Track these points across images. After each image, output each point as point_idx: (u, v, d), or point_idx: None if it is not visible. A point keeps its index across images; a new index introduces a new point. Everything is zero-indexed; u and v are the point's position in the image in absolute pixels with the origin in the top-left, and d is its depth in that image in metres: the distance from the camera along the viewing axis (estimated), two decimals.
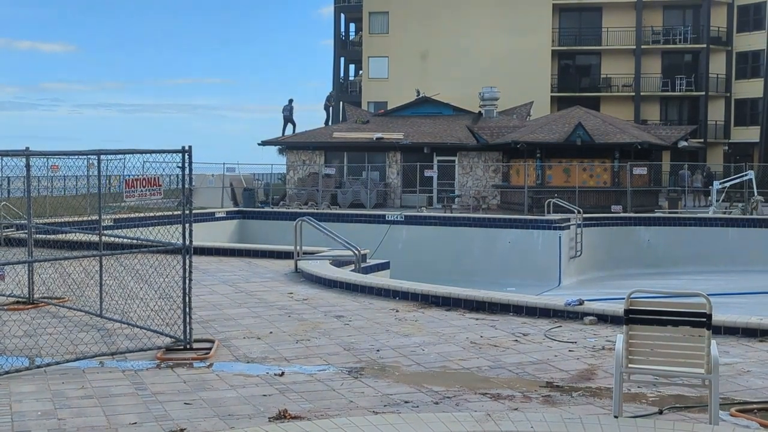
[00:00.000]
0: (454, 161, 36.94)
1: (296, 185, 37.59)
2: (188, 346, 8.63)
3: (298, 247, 15.35)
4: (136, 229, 15.77)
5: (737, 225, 29.37)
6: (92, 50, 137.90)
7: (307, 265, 14.62)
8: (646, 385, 7.18)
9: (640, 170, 32.17)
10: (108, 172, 11.35)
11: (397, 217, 28.89)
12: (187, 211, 8.50)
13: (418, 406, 6.74)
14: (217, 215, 29.47)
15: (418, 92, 44.24)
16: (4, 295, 11.38)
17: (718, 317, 9.04)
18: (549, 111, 46.57)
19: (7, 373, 7.54)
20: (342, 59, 57.29)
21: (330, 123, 42.58)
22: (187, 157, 8.45)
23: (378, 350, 8.82)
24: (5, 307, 10.86)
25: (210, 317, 10.62)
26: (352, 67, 58.09)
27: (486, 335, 9.61)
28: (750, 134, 50.42)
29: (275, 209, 32.44)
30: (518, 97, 43.82)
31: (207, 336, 9.37)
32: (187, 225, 8.50)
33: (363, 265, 15.24)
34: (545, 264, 26.27)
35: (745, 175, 32.83)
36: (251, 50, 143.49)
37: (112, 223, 20.62)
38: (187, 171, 8.46)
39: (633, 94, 51.61)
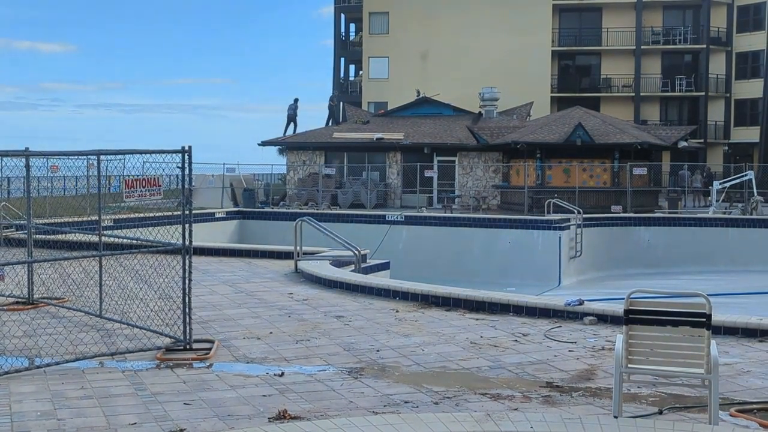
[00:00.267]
0: (454, 161, 36.94)
1: (296, 185, 37.58)
2: (188, 347, 8.63)
3: (298, 248, 15.35)
4: (135, 229, 15.78)
5: (737, 225, 29.38)
6: (92, 50, 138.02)
7: (307, 266, 14.61)
8: (646, 386, 7.18)
9: (640, 170, 32.17)
10: (108, 172, 11.34)
11: (397, 218, 28.89)
12: (187, 212, 8.50)
13: (417, 407, 6.74)
14: (217, 215, 29.48)
15: (419, 92, 44.23)
16: (3, 296, 11.38)
17: (718, 317, 9.04)
18: (549, 111, 46.57)
19: (6, 373, 7.54)
20: (342, 59, 57.29)
21: (333, 122, 42.57)
22: (186, 157, 8.45)
23: (378, 350, 8.82)
24: (5, 308, 10.85)
25: (210, 317, 10.62)
26: (352, 67, 58.08)
27: (486, 335, 9.61)
28: (750, 134, 50.41)
29: (275, 209, 32.44)
30: (518, 98, 43.81)
31: (207, 336, 9.36)
32: (186, 225, 8.50)
33: (363, 265, 15.23)
34: (545, 264, 26.27)
35: (745, 175, 32.84)
36: (251, 50, 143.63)
37: (111, 224, 20.62)
38: (186, 171, 8.47)
39: (633, 94, 51.61)
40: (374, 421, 6.01)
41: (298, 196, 36.39)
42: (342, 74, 57.44)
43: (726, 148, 51.89)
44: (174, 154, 8.56)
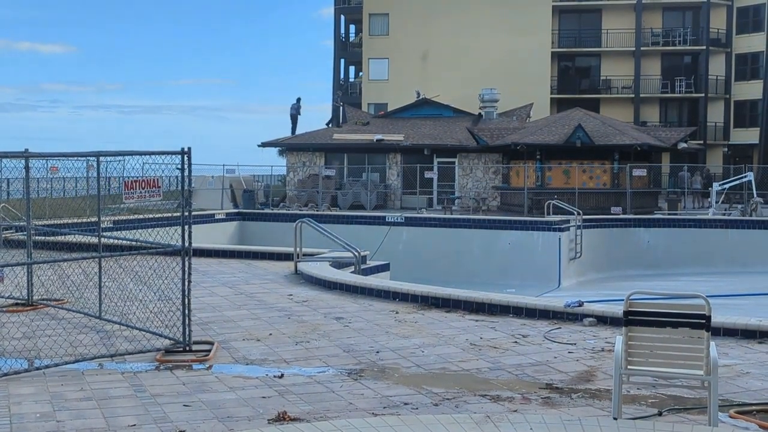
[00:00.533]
0: (454, 163, 36.95)
1: (296, 187, 37.58)
2: (187, 348, 8.63)
3: (297, 249, 15.34)
4: (135, 230, 15.76)
5: (737, 226, 29.38)
6: (92, 51, 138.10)
7: (307, 267, 14.61)
8: (646, 387, 7.18)
9: (640, 172, 32.18)
10: (107, 173, 11.34)
11: (397, 219, 28.89)
12: (187, 213, 8.50)
13: (417, 408, 6.73)
14: (216, 217, 29.47)
15: (418, 94, 44.26)
16: (3, 297, 11.38)
17: (718, 319, 9.03)
18: (549, 113, 46.58)
19: (5, 375, 7.53)
20: (342, 61, 57.27)
21: (336, 124, 42.56)
22: (186, 158, 8.45)
23: (378, 352, 8.81)
24: (4, 309, 10.86)
25: (209, 319, 10.62)
26: (352, 68, 58.09)
27: (486, 337, 9.61)
28: (749, 136, 50.42)
29: (275, 211, 32.44)
30: (518, 99, 43.82)
31: (206, 338, 9.36)
32: (186, 227, 8.50)
33: (363, 266, 15.23)
34: (545, 265, 26.28)
35: (745, 176, 32.84)
36: (251, 51, 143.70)
37: (111, 225, 20.60)
38: (186, 172, 8.46)
39: (633, 95, 51.64)
40: (374, 423, 6.00)
41: (298, 197, 36.38)
42: (342, 75, 57.44)
43: (726, 149, 51.90)
44: (173, 156, 8.56)
